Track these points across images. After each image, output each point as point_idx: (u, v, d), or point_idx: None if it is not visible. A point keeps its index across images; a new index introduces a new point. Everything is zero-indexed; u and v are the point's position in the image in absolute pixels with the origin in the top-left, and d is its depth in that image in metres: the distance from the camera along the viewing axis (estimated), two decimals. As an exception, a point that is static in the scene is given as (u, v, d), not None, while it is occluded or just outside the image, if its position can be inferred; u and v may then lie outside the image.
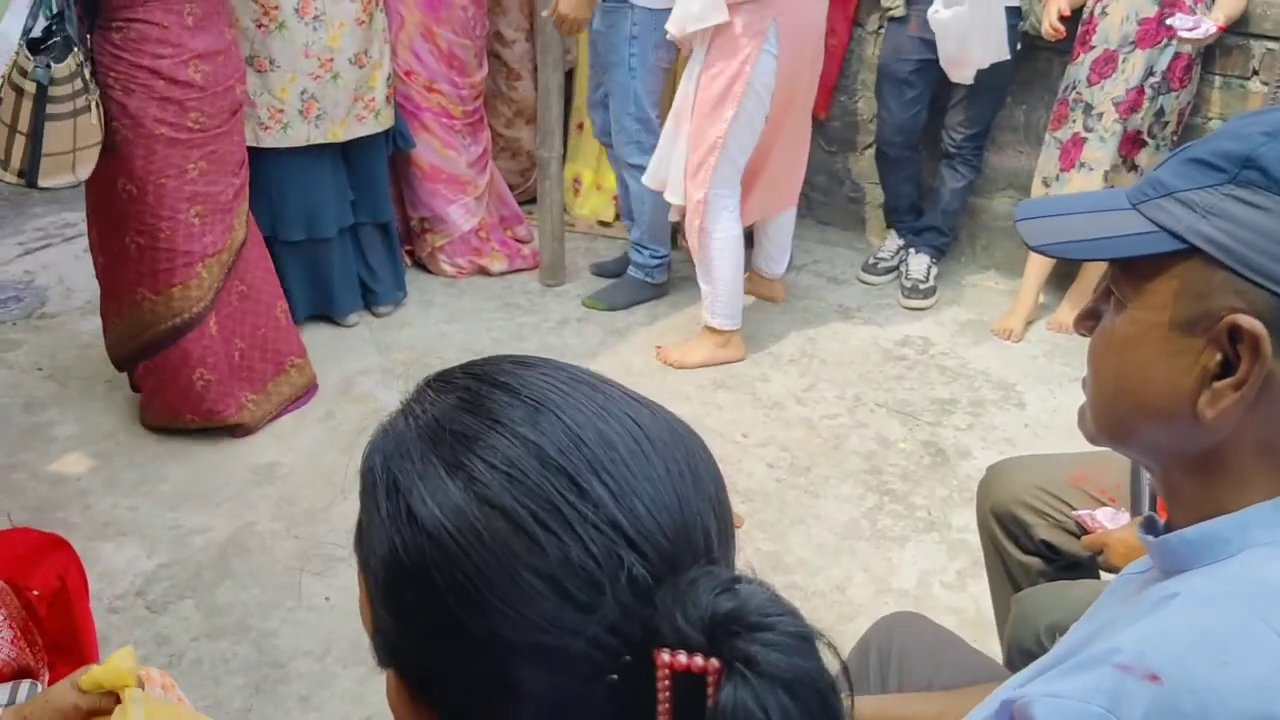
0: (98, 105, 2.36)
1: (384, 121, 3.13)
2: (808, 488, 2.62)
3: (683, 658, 0.54)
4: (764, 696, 0.52)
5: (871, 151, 3.77)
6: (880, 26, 3.58)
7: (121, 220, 2.50)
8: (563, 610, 0.56)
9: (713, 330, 3.13)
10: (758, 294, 3.51)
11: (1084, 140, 3.12)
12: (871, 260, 3.71)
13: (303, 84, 2.87)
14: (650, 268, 3.48)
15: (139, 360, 2.67)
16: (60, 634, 1.55)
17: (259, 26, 2.77)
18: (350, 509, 2.28)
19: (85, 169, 2.39)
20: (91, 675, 1.14)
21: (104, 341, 2.75)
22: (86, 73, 2.33)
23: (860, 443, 2.82)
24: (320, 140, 2.98)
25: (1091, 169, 3.12)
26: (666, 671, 0.54)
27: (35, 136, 2.32)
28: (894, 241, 3.71)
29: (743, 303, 3.16)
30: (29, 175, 2.37)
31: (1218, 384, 0.74)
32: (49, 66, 2.26)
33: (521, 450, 0.58)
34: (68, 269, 3.56)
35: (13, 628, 1.42)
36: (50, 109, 2.29)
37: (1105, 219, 0.80)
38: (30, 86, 2.26)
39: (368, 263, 3.29)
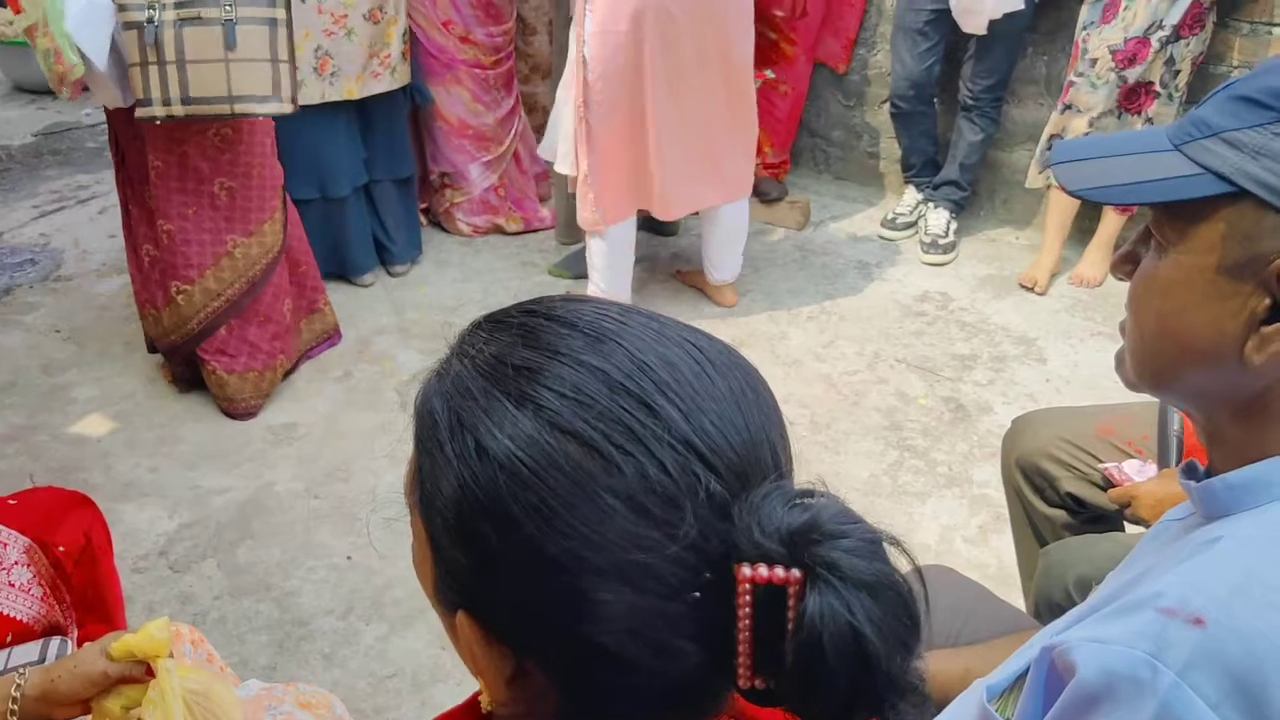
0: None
1: (400, 78, 3.10)
2: (828, 444, 2.60)
3: (764, 570, 0.54)
4: (850, 600, 0.52)
5: (889, 106, 3.72)
6: (898, -23, 3.52)
7: (210, 171, 2.49)
8: (643, 529, 0.56)
9: None
10: (710, 298, 3.28)
11: (1074, 84, 3.07)
12: (890, 215, 3.67)
13: (316, 40, 2.84)
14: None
15: (225, 321, 2.61)
16: (87, 590, 1.56)
17: None
18: (371, 468, 2.29)
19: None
20: (124, 643, 1.12)
21: (149, 337, 2.74)
22: None
23: (880, 399, 2.80)
24: (335, 98, 2.95)
25: (1080, 112, 3.07)
26: (747, 586, 0.54)
27: (292, 59, 2.36)
28: (912, 196, 3.67)
29: (623, 279, 3.00)
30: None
31: (1266, 329, 0.72)
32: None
33: (588, 376, 0.59)
34: (83, 231, 3.56)
35: (42, 585, 1.43)
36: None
37: (1146, 161, 0.78)
38: (281, 14, 2.31)
39: (383, 221, 3.28)
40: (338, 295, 3.16)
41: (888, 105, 3.73)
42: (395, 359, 2.93)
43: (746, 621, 0.55)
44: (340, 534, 2.31)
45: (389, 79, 3.05)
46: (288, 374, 2.80)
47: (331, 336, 2.94)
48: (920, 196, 3.64)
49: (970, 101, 3.43)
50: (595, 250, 2.93)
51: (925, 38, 3.32)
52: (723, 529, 0.56)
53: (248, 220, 2.54)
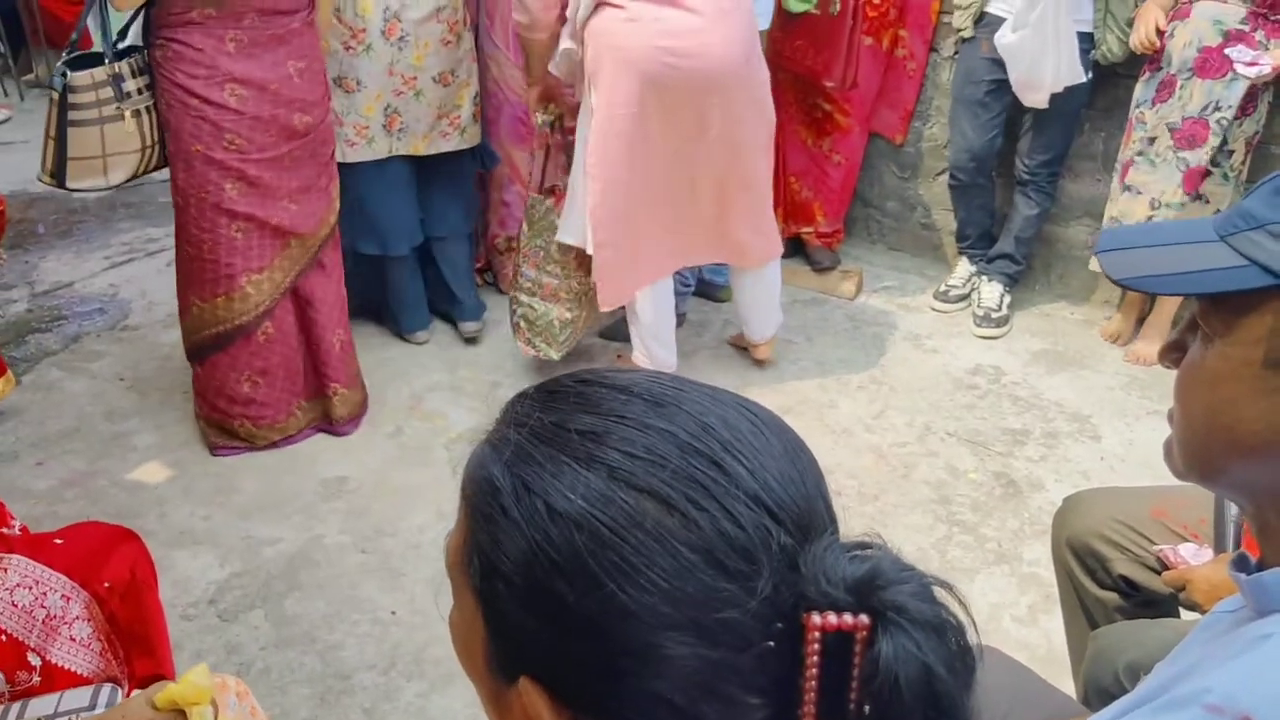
0: (140, 115, 2.46)
1: (469, 139, 3.15)
2: (876, 516, 2.58)
3: (833, 618, 0.55)
4: (920, 641, 0.54)
5: (945, 178, 3.73)
6: (955, 52, 3.55)
7: (178, 229, 2.61)
8: (720, 582, 0.57)
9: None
10: (749, 355, 3.27)
11: (1134, 163, 3.07)
12: (943, 288, 3.66)
13: (386, 100, 2.91)
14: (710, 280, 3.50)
15: (196, 358, 2.73)
16: (133, 625, 1.58)
17: (346, 49, 2.82)
18: (418, 524, 2.30)
19: (119, 174, 2.53)
20: (167, 693, 1.16)
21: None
22: (129, 86, 2.45)
23: (930, 472, 2.78)
24: (402, 152, 3.00)
25: (1140, 192, 3.06)
26: (817, 634, 0.56)
27: (60, 140, 2.48)
28: (965, 269, 3.66)
29: (666, 348, 3.00)
30: (58, 176, 2.52)
31: None
32: (65, 75, 2.41)
33: (656, 438, 0.61)
34: (150, 283, 3.66)
35: (100, 639, 1.46)
36: (72, 115, 2.44)
37: (1192, 252, 0.78)
38: (55, 95, 2.46)
39: (451, 278, 3.28)
40: (392, 351, 3.21)
41: (944, 177, 3.75)
42: (446, 417, 2.97)
43: (815, 670, 0.56)
44: (385, 589, 2.33)
45: (458, 139, 3.10)
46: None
47: (345, 423, 2.89)
48: (974, 269, 3.63)
49: (1026, 176, 3.44)
50: (634, 315, 2.96)
51: (985, 109, 3.34)
52: (791, 580, 0.58)
53: (202, 288, 2.63)
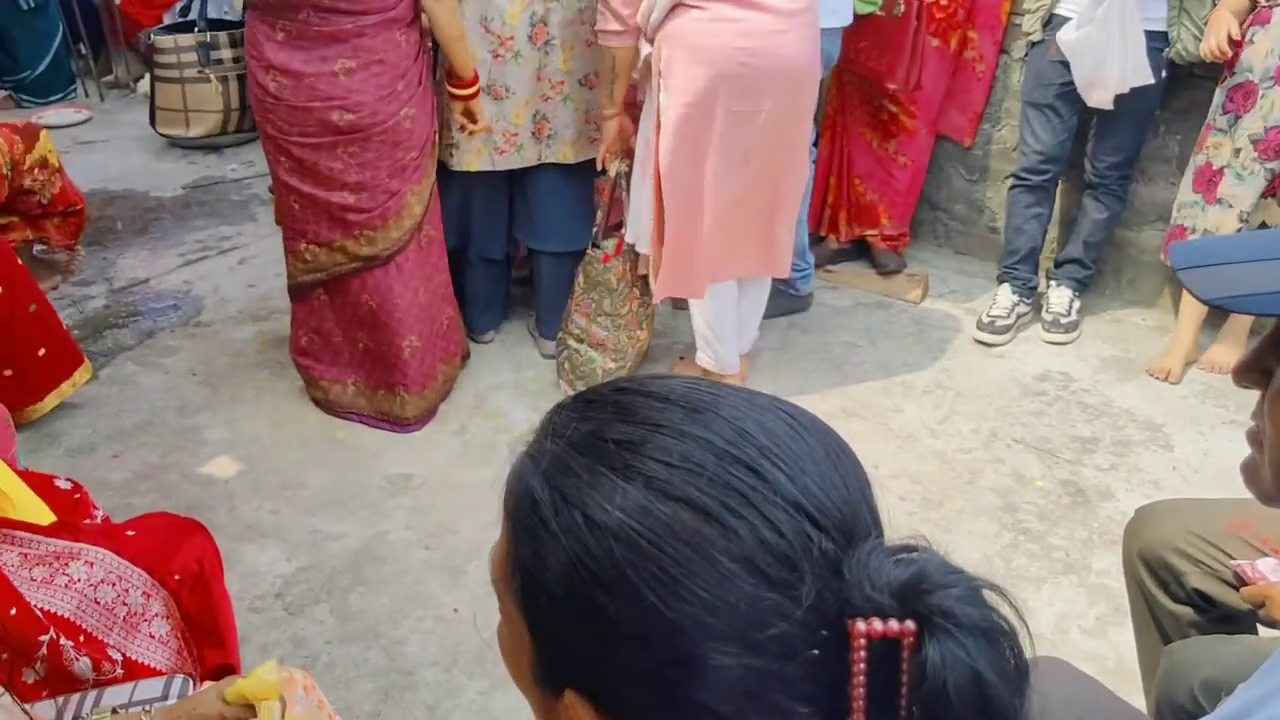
0: (227, 80, 2.65)
1: None
2: (940, 522, 2.55)
3: (878, 624, 0.55)
4: (968, 646, 0.53)
5: (1011, 181, 3.66)
6: (1026, 54, 3.49)
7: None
8: (762, 590, 0.57)
9: (704, 370, 3.04)
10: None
11: (1222, 174, 2.98)
12: (986, 318, 3.46)
13: (535, 106, 2.91)
14: (793, 279, 3.47)
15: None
16: (201, 616, 1.62)
17: (495, 57, 2.82)
18: (481, 522, 2.32)
19: (199, 129, 2.90)
20: (236, 688, 1.19)
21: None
22: (222, 54, 2.70)
23: (995, 479, 2.74)
24: (551, 159, 2.99)
25: (1230, 205, 2.98)
26: (863, 641, 0.55)
27: (151, 91, 2.93)
28: (1008, 297, 3.49)
29: (728, 348, 3.00)
30: (151, 121, 2.73)
31: None
32: (149, 37, 2.57)
33: (692, 445, 0.60)
34: (222, 280, 3.74)
35: (177, 636, 1.49)
36: (157, 71, 2.78)
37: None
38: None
39: (543, 292, 3.24)
40: (457, 350, 3.23)
41: (1010, 180, 3.68)
42: (509, 415, 2.99)
43: (862, 678, 0.55)
44: (448, 586, 2.35)
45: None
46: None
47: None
48: (1016, 298, 3.51)
49: (1095, 179, 3.37)
50: (696, 315, 2.96)
51: (1055, 112, 3.27)
52: (835, 586, 0.57)
53: (287, 239, 2.82)
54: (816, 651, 0.57)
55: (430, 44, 2.74)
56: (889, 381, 3.19)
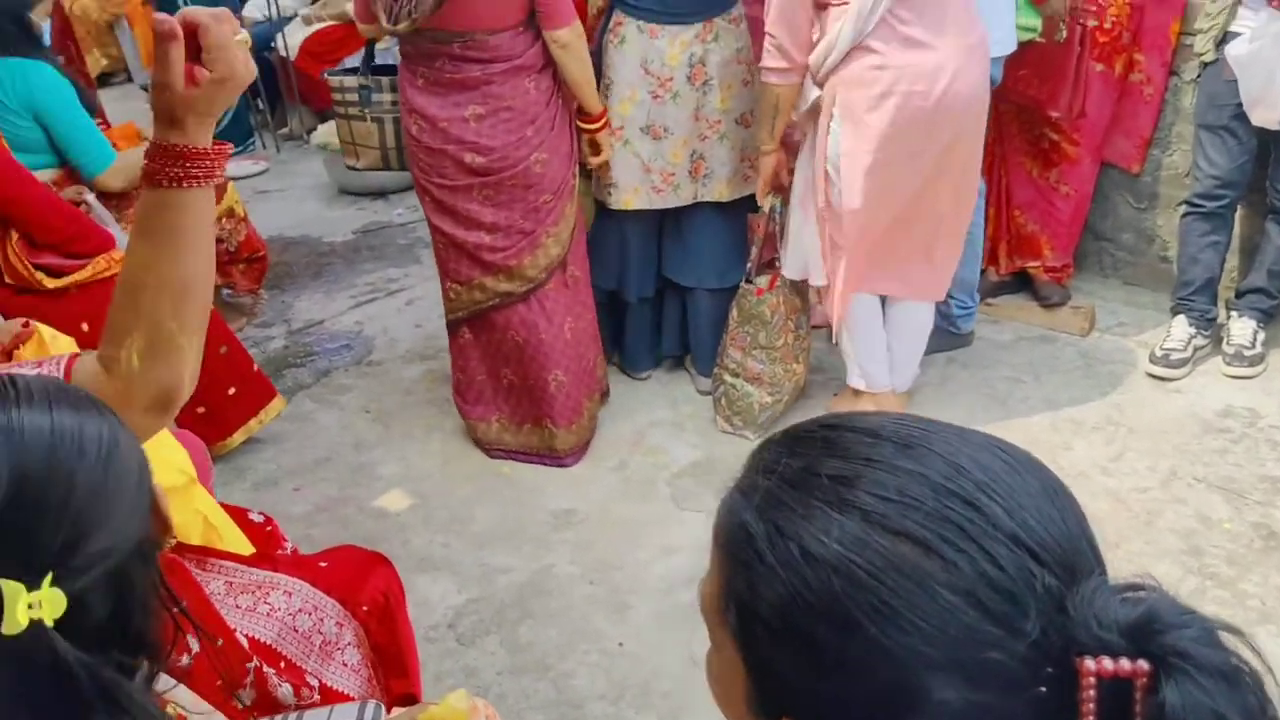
0: (382, 121, 3.06)
1: None
2: (1117, 565, 2.39)
3: (1108, 663, 0.54)
4: (1211, 690, 0.52)
5: (1184, 207, 3.51)
6: (1198, 75, 3.35)
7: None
8: (984, 625, 0.57)
9: (855, 390, 3.05)
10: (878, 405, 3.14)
11: None
12: (1160, 351, 3.29)
13: (693, 145, 2.96)
14: (955, 317, 3.41)
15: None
16: (387, 646, 1.69)
17: (654, 98, 2.89)
18: (642, 558, 2.34)
19: (363, 162, 3.17)
20: (429, 714, 1.24)
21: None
22: (382, 97, 3.06)
23: (1177, 520, 2.61)
24: (708, 198, 3.04)
25: None
26: (1092, 680, 0.54)
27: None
28: (1184, 329, 3.31)
29: (880, 367, 3.00)
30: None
31: None
32: (324, 75, 2.96)
33: (908, 480, 0.61)
34: (391, 320, 3.91)
35: (368, 666, 1.56)
36: (336, 109, 3.18)
37: None
38: None
39: (694, 329, 3.26)
40: (616, 386, 3.28)
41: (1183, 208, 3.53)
42: (668, 452, 3.02)
43: (1091, 717, 0.54)
44: (613, 621, 2.39)
45: (758, 181, 3.05)
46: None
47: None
48: (1192, 331, 3.33)
49: (1279, 203, 3.19)
50: (842, 338, 2.97)
51: (1232, 134, 3.12)
52: (1060, 622, 0.56)
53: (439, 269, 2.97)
54: (1044, 689, 0.56)
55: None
56: (1056, 417, 3.09)
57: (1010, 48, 3.11)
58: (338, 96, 3.32)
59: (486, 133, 2.68)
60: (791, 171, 2.89)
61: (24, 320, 1.95)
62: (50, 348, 1.75)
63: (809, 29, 2.57)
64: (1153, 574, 2.08)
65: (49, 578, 0.76)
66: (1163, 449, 2.91)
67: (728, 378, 3.05)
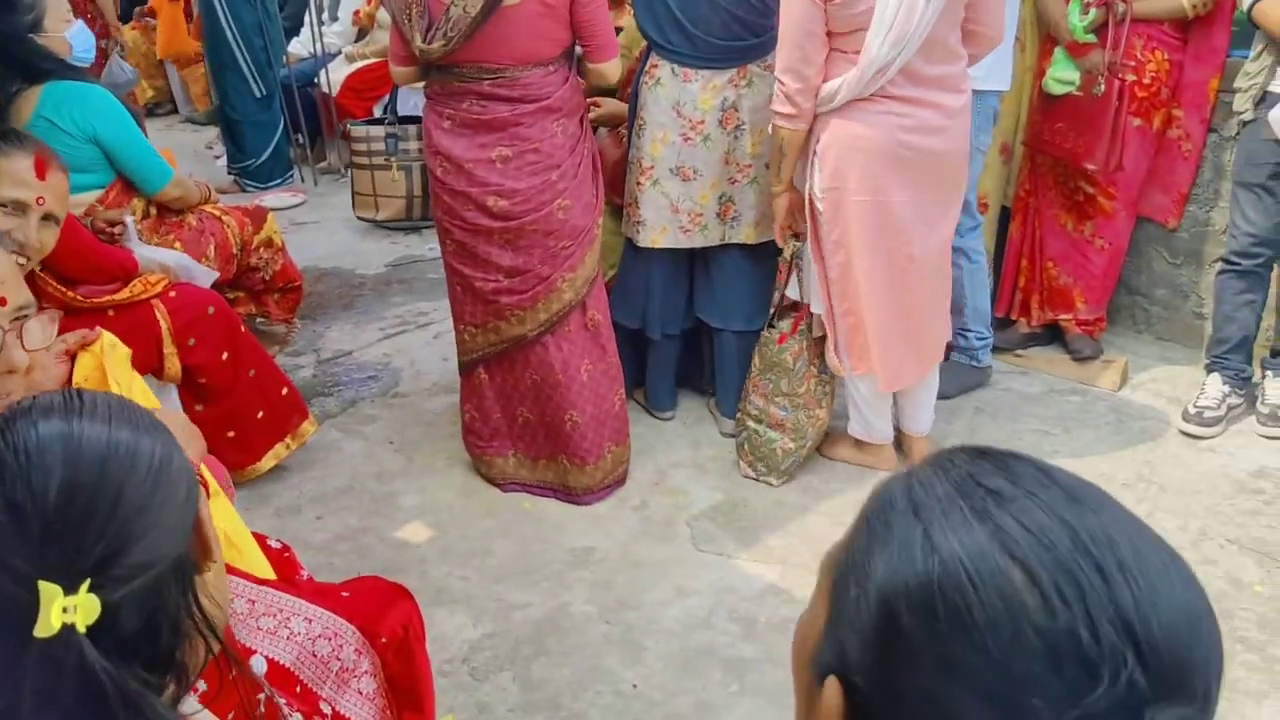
0: (409, 170, 2.89)
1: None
2: (1144, 625, 2.39)
3: None
4: None
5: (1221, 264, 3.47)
6: (1237, 133, 3.33)
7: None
8: (1050, 679, 0.56)
9: (857, 441, 3.08)
10: (901, 452, 3.12)
11: None
12: (1193, 409, 3.25)
13: (722, 188, 2.98)
14: (975, 350, 3.38)
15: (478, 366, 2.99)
16: (403, 680, 1.67)
17: (685, 140, 2.91)
18: (660, 598, 2.33)
19: (386, 213, 3.23)
20: None
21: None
22: (408, 145, 3.20)
23: (1207, 581, 2.52)
24: (735, 239, 3.05)
25: None
26: None
27: (350, 178, 3.17)
28: (1218, 387, 3.27)
29: (883, 421, 3.01)
30: (353, 204, 3.28)
31: None
32: (346, 127, 2.92)
33: (1055, 523, 0.61)
34: (419, 353, 3.93)
35: (382, 696, 1.55)
36: (354, 159, 3.27)
37: None
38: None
39: (720, 370, 3.26)
40: (638, 427, 3.27)
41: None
42: (689, 493, 3.00)
43: None
44: (628, 662, 2.36)
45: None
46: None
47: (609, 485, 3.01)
48: (1227, 389, 3.28)
49: (1318, 263, 3.16)
50: (853, 383, 2.96)
51: (1269, 193, 3.09)
52: (1122, 718, 0.55)
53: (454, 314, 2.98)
54: None
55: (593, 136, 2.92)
56: (1085, 473, 2.90)
57: (1006, 86, 3.23)
58: (361, 148, 3.43)
59: (512, 175, 2.70)
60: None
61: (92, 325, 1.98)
62: (108, 356, 1.76)
63: (819, 80, 2.60)
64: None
65: (87, 584, 0.80)
66: (1194, 509, 2.85)
67: (751, 423, 3.03)
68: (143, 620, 0.85)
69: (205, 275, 3.03)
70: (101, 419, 0.88)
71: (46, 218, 2.21)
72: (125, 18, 7.16)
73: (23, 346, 1.27)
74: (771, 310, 3.00)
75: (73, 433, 0.85)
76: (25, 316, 1.29)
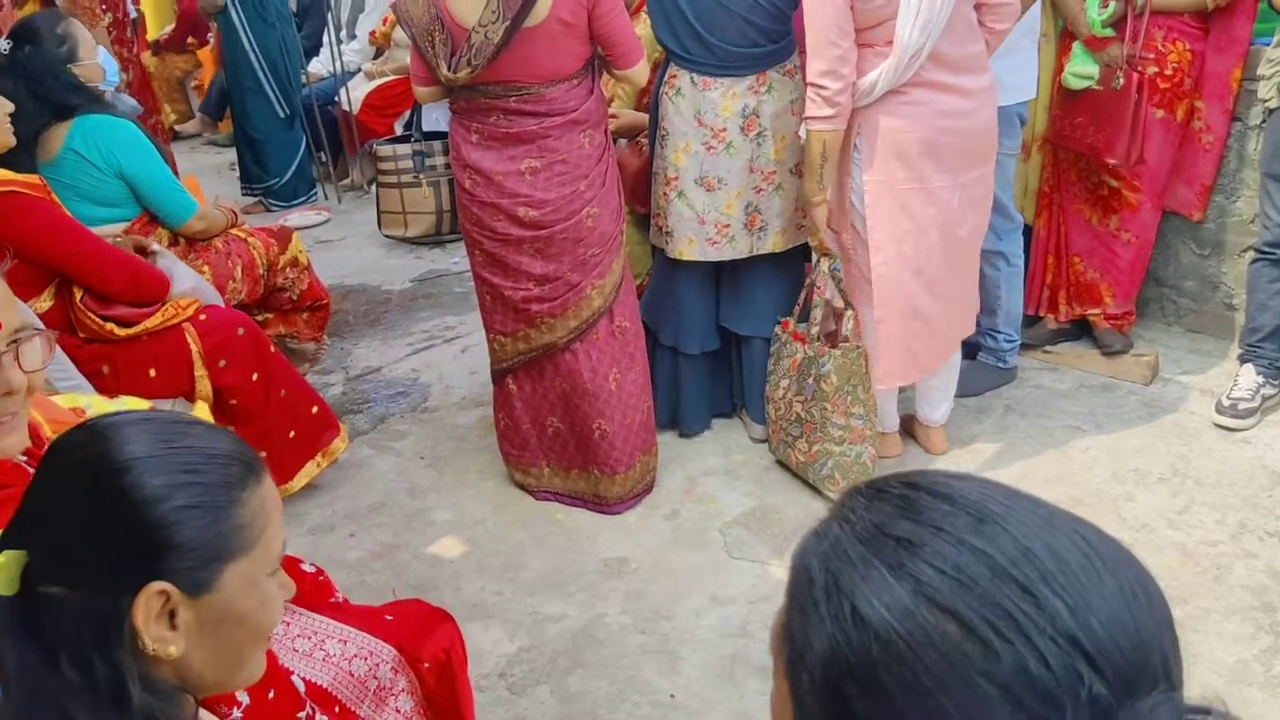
0: (438, 185, 2.91)
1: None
2: (1185, 622, 2.37)
3: None
4: None
5: (1250, 255, 3.44)
6: (1263, 121, 3.30)
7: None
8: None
9: None
10: (917, 441, 3.19)
11: None
12: (1227, 401, 3.21)
13: (747, 197, 2.97)
14: (1003, 352, 3.37)
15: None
16: (445, 705, 1.68)
17: (708, 149, 2.91)
18: (694, 607, 2.33)
19: (416, 229, 3.16)
20: None
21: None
22: (435, 161, 3.23)
23: (1248, 575, 2.53)
24: (763, 250, 3.03)
25: None
26: None
27: (375, 196, 3.12)
28: (1251, 378, 3.23)
29: (890, 404, 3.08)
30: (378, 221, 3.21)
31: None
32: (372, 147, 2.90)
33: (970, 557, 0.59)
34: (448, 367, 3.95)
35: (420, 715, 1.56)
36: (380, 178, 3.21)
37: None
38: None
39: (749, 378, 3.24)
40: (666, 437, 3.27)
41: (1249, 254, 3.46)
42: (720, 500, 3.00)
43: None
44: (664, 672, 2.36)
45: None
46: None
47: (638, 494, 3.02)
48: (1260, 380, 3.22)
49: (1351, 250, 3.12)
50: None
51: (1298, 183, 3.07)
52: None
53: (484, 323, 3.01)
54: None
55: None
56: (1119, 468, 3.02)
57: (1032, 94, 3.25)
58: (387, 166, 3.38)
59: (541, 186, 2.72)
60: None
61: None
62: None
63: (854, 77, 2.61)
64: (1224, 631, 2.03)
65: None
66: (1231, 501, 2.83)
67: (835, 449, 2.88)
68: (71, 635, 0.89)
69: (213, 295, 3.06)
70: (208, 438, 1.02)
71: None
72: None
73: (20, 368, 1.28)
74: (815, 329, 2.94)
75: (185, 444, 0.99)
76: (22, 339, 1.30)
